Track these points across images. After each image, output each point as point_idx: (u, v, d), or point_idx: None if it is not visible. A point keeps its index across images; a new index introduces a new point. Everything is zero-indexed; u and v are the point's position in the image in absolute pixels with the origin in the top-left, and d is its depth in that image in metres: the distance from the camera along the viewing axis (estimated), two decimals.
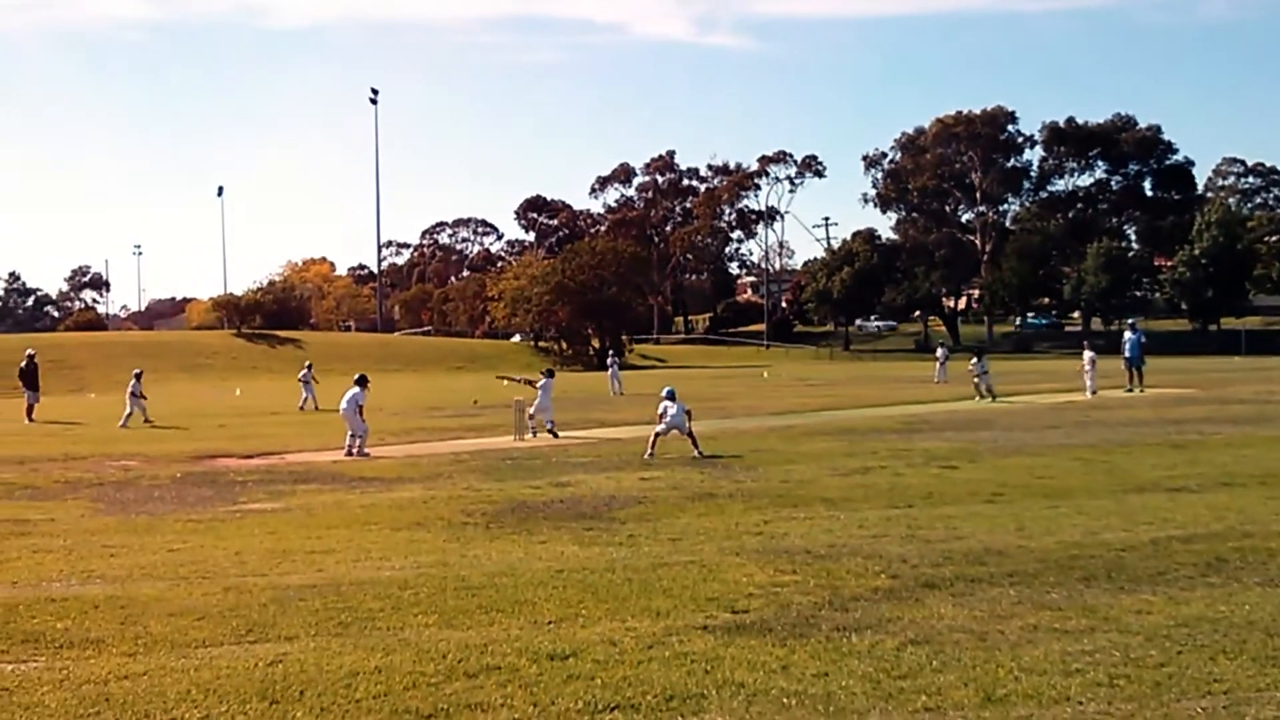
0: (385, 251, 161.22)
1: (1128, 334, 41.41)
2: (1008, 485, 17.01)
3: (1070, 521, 13.68)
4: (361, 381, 25.62)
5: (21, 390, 40.17)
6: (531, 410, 27.85)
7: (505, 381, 30.03)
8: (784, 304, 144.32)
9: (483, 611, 9.61)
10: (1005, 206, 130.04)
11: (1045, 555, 11.57)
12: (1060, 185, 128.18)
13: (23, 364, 40.11)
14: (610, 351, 59.52)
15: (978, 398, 36.98)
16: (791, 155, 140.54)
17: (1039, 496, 15.88)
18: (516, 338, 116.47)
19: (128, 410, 34.57)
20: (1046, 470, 18.79)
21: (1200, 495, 15.68)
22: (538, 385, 28.22)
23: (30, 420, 37.04)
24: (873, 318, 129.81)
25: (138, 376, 35.90)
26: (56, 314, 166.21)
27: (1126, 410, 31.34)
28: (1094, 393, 37.37)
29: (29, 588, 10.92)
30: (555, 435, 27.28)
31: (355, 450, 24.15)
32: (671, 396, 22.86)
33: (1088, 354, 38.78)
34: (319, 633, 9.02)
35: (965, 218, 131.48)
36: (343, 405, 24.78)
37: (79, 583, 11.14)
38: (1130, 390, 39.11)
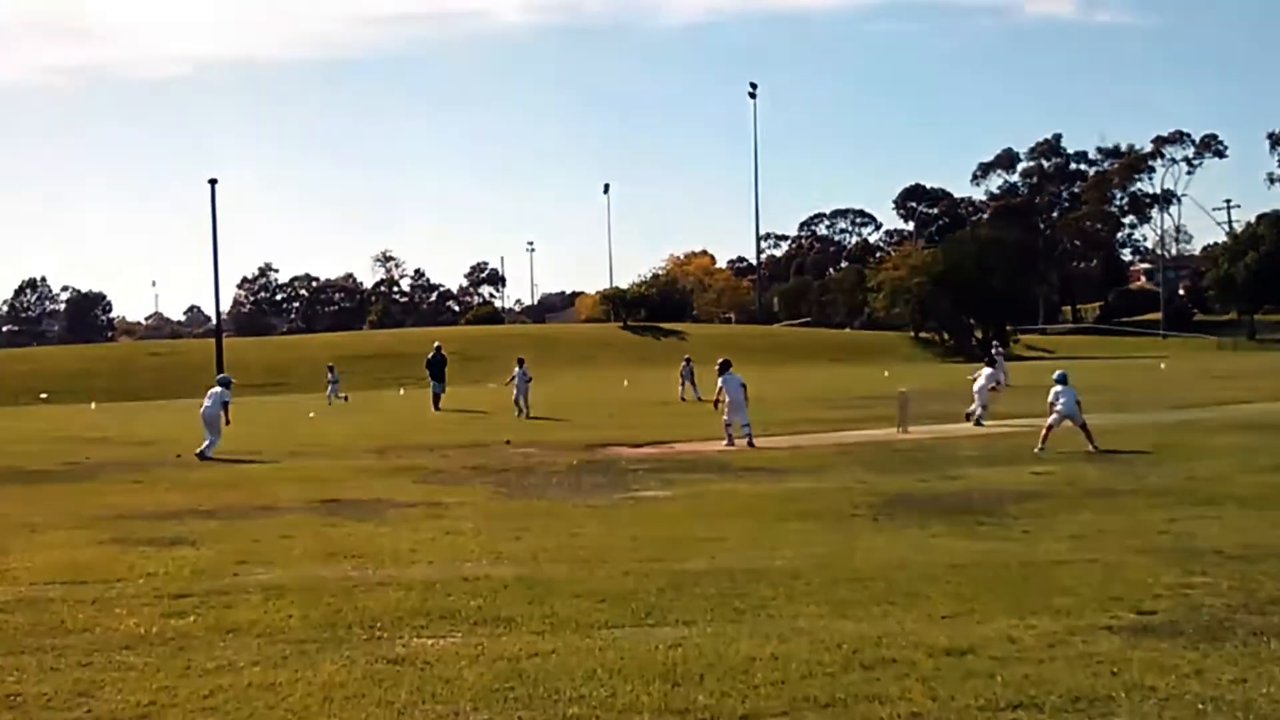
0: (764, 244, 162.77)
1: None
2: None
3: None
4: (727, 366, 25.68)
5: (428, 381, 42.68)
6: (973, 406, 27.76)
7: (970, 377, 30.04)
8: (1181, 292, 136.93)
9: (876, 604, 9.56)
10: None
11: None
12: None
13: (430, 355, 42.60)
14: (994, 342, 57.93)
15: None
16: (1189, 135, 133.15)
17: None
18: (848, 329, 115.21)
19: (515, 396, 36.12)
20: None
21: None
22: (975, 375, 28.17)
23: (436, 409, 39.28)
24: None
25: (520, 362, 37.06)
26: (457, 309, 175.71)
27: None
28: None
29: (445, 567, 11.61)
30: (979, 424, 27.03)
31: (744, 440, 24.37)
32: (1063, 380, 22.06)
33: None
34: (715, 618, 9.19)
35: None
36: (734, 393, 24.89)
37: (489, 563, 11.75)
38: None
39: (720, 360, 26.31)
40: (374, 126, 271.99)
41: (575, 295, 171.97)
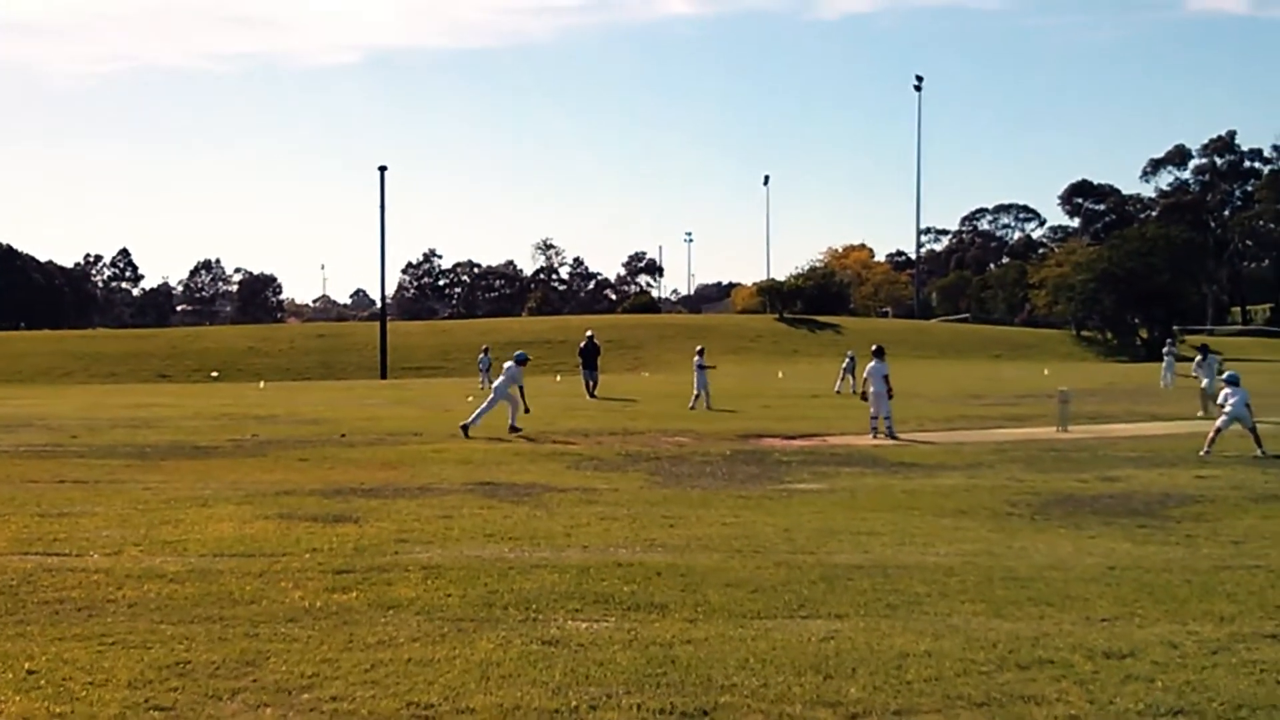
0: (924, 238, 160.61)
1: None
2: None
3: None
4: (879, 353, 25.64)
5: (579, 368, 43.01)
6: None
7: None
8: None
9: (1032, 604, 9.44)
10: None
11: None
12: None
13: (583, 344, 42.92)
14: (1168, 340, 56.31)
15: None
16: None
17: None
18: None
19: (695, 392, 34.55)
20: None
21: None
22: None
23: (591, 396, 39.55)
24: None
25: (700, 353, 36.23)
26: (614, 297, 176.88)
27: None
28: None
29: (598, 552, 11.75)
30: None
31: (885, 432, 24.34)
32: (1234, 382, 21.37)
33: None
34: (868, 612, 9.16)
35: None
36: (875, 383, 24.93)
37: (642, 550, 11.86)
38: None
39: (874, 346, 26.31)
40: (538, 115, 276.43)
41: (731, 286, 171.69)
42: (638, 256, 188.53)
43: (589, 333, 44.39)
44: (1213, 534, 12.92)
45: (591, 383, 40.92)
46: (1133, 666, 7.65)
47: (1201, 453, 20.59)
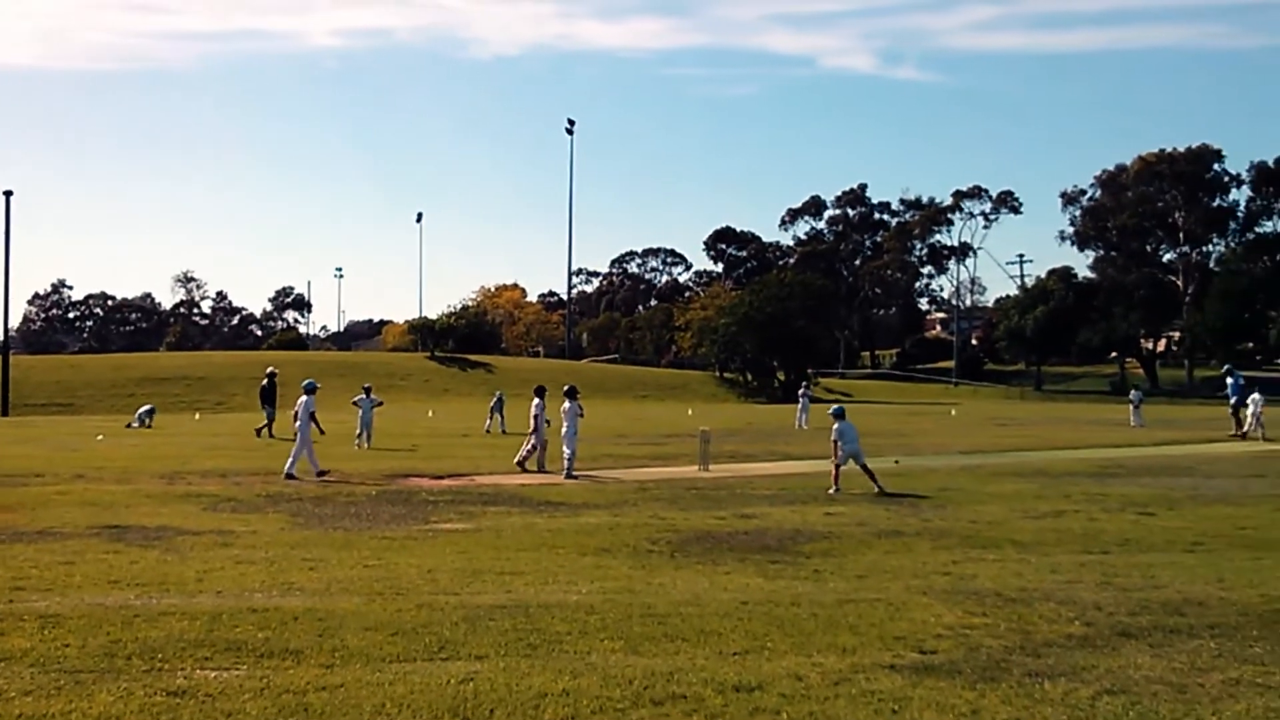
0: (575, 279, 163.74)
1: None
2: (1208, 535, 16.42)
3: (1275, 574, 13.17)
4: (571, 393, 25.94)
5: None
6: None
7: None
8: (974, 341, 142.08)
9: (668, 639, 9.65)
10: (1209, 248, 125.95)
11: (1248, 608, 11.15)
12: (1269, 227, 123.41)
13: (264, 382, 41.39)
14: (804, 384, 58.99)
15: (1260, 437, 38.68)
16: (986, 190, 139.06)
17: (1241, 548, 15.30)
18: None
19: (359, 430, 34.50)
20: (1249, 520, 18.10)
21: None
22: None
23: (259, 437, 37.98)
24: None
25: (367, 391, 35.93)
26: (260, 333, 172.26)
27: None
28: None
29: (232, 597, 11.32)
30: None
31: (565, 471, 24.69)
32: (840, 415, 22.36)
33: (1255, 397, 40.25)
34: (508, 653, 9.15)
35: (1167, 258, 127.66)
36: (568, 420, 25.25)
37: (279, 594, 11.50)
38: None
39: (566, 386, 26.59)
40: (180, 144, 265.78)
41: (383, 324, 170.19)
42: (285, 291, 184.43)
43: (271, 370, 42.90)
44: (839, 569, 13.53)
45: (270, 421, 39.23)
46: (761, 699, 7.90)
47: (831, 491, 21.59)
